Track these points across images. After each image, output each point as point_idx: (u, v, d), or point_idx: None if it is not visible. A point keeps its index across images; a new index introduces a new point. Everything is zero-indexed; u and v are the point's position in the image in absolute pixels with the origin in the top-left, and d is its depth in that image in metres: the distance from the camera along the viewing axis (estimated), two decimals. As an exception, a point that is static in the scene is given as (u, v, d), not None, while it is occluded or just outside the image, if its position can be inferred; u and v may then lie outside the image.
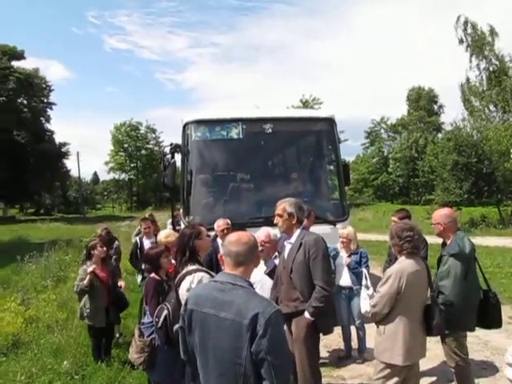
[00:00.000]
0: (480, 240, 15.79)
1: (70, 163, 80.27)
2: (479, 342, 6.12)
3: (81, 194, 59.93)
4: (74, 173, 58.40)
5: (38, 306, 8.00)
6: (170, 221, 8.39)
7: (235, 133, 7.12)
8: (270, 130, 7.11)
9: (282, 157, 8.34)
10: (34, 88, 45.76)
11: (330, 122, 7.48)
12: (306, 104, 47.03)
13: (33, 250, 13.79)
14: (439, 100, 53.41)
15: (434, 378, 5.09)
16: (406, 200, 45.78)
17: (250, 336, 2.18)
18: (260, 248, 4.52)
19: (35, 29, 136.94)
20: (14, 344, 6.39)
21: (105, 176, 79.68)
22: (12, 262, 13.75)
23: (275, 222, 4.11)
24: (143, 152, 70.02)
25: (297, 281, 3.95)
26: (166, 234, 4.83)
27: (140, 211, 56.06)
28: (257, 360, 2.19)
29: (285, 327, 4.02)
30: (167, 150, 7.16)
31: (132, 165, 70.86)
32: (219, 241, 5.77)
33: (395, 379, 3.58)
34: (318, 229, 6.43)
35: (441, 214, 4.22)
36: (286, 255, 4.06)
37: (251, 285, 2.47)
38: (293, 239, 4.02)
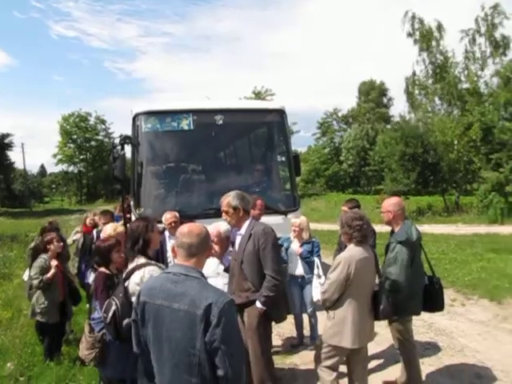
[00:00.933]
0: (427, 228, 16.51)
1: (14, 155, 76.77)
2: (424, 325, 6.43)
3: (27, 187, 57.46)
4: (19, 165, 56.03)
5: (-22, 306, 7.64)
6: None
7: (186, 124, 7.04)
8: (221, 122, 7.09)
9: (233, 148, 8.35)
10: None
11: (281, 113, 7.54)
12: (258, 95, 47.08)
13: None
14: (389, 93, 55.11)
15: (381, 361, 5.30)
16: (356, 190, 47.05)
17: (204, 326, 2.21)
18: (213, 246, 4.53)
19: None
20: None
21: (53, 168, 76.82)
22: None
23: (223, 218, 4.12)
24: (93, 143, 67.79)
25: (248, 271, 3.98)
26: (114, 227, 4.71)
27: (90, 204, 54.47)
28: (211, 349, 2.22)
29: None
30: (117, 141, 6.98)
31: (81, 157, 68.53)
32: (166, 233, 5.73)
33: (336, 358, 3.80)
34: (270, 219, 6.51)
35: (390, 202, 4.36)
36: (237, 247, 4.08)
37: (204, 276, 2.48)
38: (243, 230, 4.04)
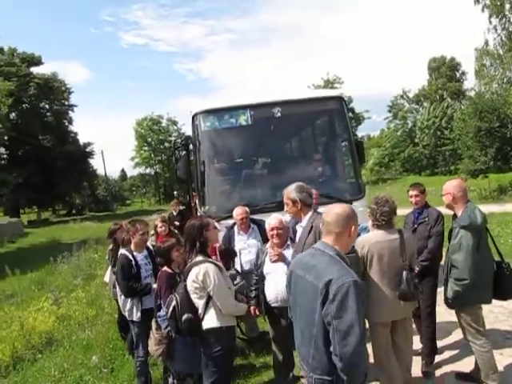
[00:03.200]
0: (510, 207, 15.38)
1: (96, 162, 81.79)
2: (504, 312, 6.00)
3: (109, 191, 61.11)
4: (101, 171, 59.74)
5: (69, 305, 8.28)
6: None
7: (244, 119, 7.07)
8: (279, 114, 7.03)
9: (294, 139, 8.24)
10: (54, 92, 46.71)
11: (340, 100, 7.34)
12: (327, 83, 46.35)
13: (65, 250, 14.26)
14: (461, 67, 51.70)
15: (456, 351, 5.04)
16: (433, 171, 44.81)
17: (322, 300, 2.36)
18: (273, 233, 4.52)
19: (54, 32, 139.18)
20: (48, 342, 6.68)
21: (132, 172, 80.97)
22: (46, 264, 14.27)
23: (285, 209, 4.19)
24: (166, 145, 70.61)
25: None
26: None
27: (168, 203, 56.81)
28: (326, 323, 2.35)
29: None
30: (178, 142, 7.18)
31: (157, 158, 71.59)
32: (235, 229, 5.80)
33: (378, 334, 4.00)
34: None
35: (451, 184, 4.12)
36: (297, 239, 4.06)
37: (339, 254, 2.56)
38: (304, 222, 4.03)
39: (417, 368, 4.59)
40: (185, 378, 4.12)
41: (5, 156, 43.63)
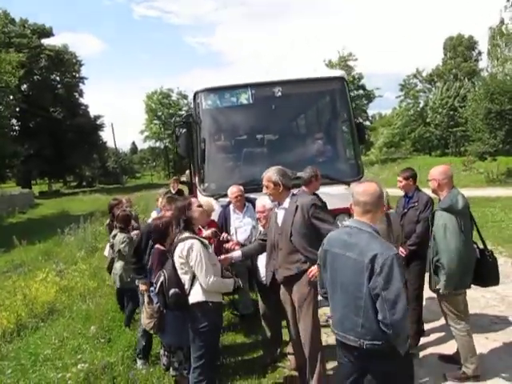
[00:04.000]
0: (517, 191, 15.29)
1: (107, 135, 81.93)
2: (496, 297, 6.08)
3: (119, 164, 61.44)
4: (111, 144, 59.96)
5: (72, 276, 8.52)
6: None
7: (245, 98, 7.08)
8: (280, 94, 7.02)
9: (294, 119, 8.23)
10: (65, 64, 46.62)
11: (341, 80, 7.29)
12: (341, 61, 45.62)
13: (73, 221, 14.53)
14: (478, 46, 50.33)
15: (441, 334, 5.14)
16: (444, 152, 44.34)
17: (369, 274, 2.60)
18: (259, 216, 4.65)
19: (67, 4, 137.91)
20: (50, 311, 6.91)
21: (143, 145, 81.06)
22: (54, 235, 14.57)
23: (263, 192, 4.19)
24: (177, 119, 70.18)
25: (298, 243, 3.96)
26: None
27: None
28: (373, 295, 2.60)
29: (282, 290, 4.17)
30: (179, 119, 7.23)
31: (167, 132, 71.44)
32: (231, 207, 5.89)
33: None
34: (333, 189, 6.47)
35: (437, 170, 4.18)
36: (280, 221, 4.09)
37: (376, 230, 2.80)
38: (285, 204, 4.05)
39: (401, 349, 4.71)
40: (175, 350, 4.26)
41: (16, 128, 43.91)
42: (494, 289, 5.49)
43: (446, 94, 42.54)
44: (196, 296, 3.71)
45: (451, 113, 41.46)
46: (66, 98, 47.49)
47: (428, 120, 44.98)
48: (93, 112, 52.18)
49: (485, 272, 4.07)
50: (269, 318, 4.73)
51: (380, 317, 2.57)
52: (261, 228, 4.74)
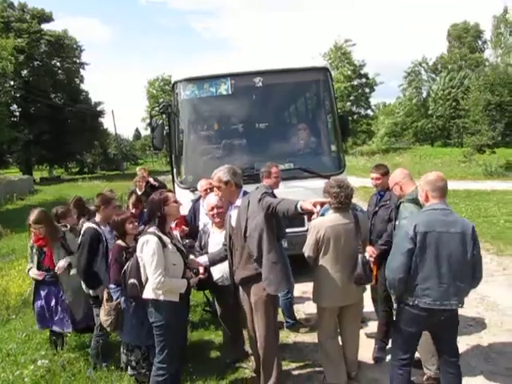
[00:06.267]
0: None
1: (108, 121, 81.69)
2: (476, 298, 5.86)
3: (119, 150, 61.21)
4: (113, 130, 59.67)
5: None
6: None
7: (224, 89, 6.90)
8: (261, 84, 6.85)
9: (275, 110, 8.01)
10: (66, 49, 46.09)
11: (324, 71, 7.13)
12: (337, 49, 45.14)
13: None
14: (483, 36, 49.46)
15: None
16: (446, 142, 43.95)
17: (472, 243, 3.24)
18: (213, 213, 4.49)
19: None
20: (23, 303, 6.79)
21: (145, 132, 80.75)
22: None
23: (215, 194, 4.06)
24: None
25: (253, 241, 3.71)
26: None
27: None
28: (475, 259, 3.28)
29: (241, 291, 4.04)
30: (155, 110, 7.09)
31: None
32: (201, 201, 5.72)
33: (325, 319, 4.10)
34: (312, 183, 6.31)
35: (395, 175, 4.23)
36: (234, 221, 3.93)
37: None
38: (238, 202, 3.89)
39: (368, 352, 4.59)
40: (133, 349, 4.17)
41: (17, 113, 43.71)
42: (475, 289, 5.32)
43: (448, 84, 42.01)
44: (148, 292, 3.68)
45: (454, 104, 40.96)
46: (67, 83, 47.14)
47: (430, 112, 44.47)
48: (98, 98, 52.00)
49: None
50: (227, 318, 4.63)
51: (477, 275, 3.31)
52: (216, 229, 4.57)
